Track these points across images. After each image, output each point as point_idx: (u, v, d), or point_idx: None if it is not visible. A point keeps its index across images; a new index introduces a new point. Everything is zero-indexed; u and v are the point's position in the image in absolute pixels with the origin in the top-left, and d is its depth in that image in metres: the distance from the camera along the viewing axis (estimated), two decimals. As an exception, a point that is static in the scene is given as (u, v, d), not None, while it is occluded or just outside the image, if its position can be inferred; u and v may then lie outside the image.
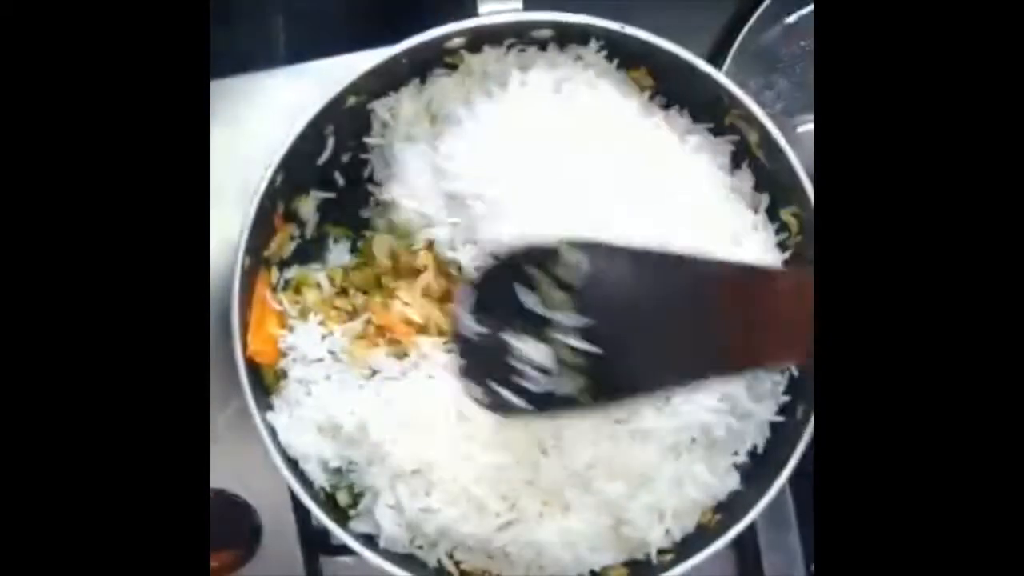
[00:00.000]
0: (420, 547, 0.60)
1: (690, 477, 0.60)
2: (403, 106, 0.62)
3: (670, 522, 0.61)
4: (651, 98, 0.63)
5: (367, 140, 0.64)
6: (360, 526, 0.61)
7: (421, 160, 0.61)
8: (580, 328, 0.49)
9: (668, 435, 0.59)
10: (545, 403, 0.50)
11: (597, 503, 0.59)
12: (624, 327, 0.50)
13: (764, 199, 0.63)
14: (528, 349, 0.50)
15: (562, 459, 0.58)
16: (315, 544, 0.67)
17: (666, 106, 0.63)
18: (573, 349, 0.49)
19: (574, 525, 0.59)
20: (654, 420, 0.59)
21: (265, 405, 0.61)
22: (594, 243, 0.50)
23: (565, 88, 0.61)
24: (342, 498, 0.61)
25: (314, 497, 0.60)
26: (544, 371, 0.50)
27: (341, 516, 0.61)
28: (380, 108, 0.63)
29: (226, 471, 0.64)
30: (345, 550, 0.60)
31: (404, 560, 0.60)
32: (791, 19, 0.72)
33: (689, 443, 0.60)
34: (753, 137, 0.61)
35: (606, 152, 0.59)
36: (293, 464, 0.60)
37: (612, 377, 0.50)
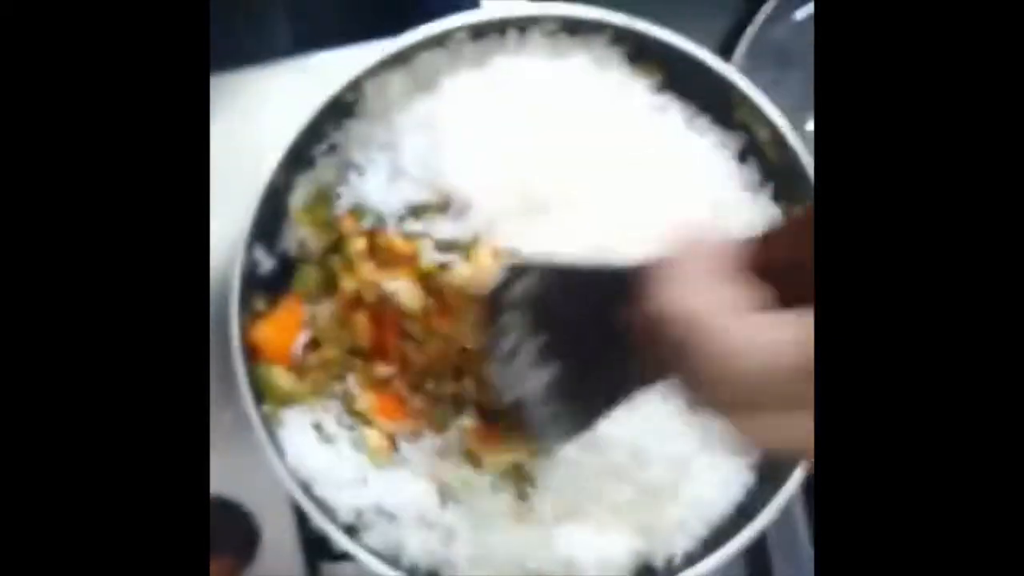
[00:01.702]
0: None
1: (711, 485, 0.60)
2: (393, 82, 0.61)
3: (696, 529, 0.60)
4: (659, 91, 0.62)
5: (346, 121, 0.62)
6: (373, 541, 0.60)
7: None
8: (539, 348, 0.46)
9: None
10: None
11: (627, 511, 0.59)
12: (578, 341, 0.46)
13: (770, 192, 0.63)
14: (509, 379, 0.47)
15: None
16: (315, 551, 0.67)
17: (675, 100, 0.63)
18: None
19: (607, 537, 0.59)
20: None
21: (274, 419, 0.60)
22: (535, 264, 0.48)
23: (564, 65, 0.60)
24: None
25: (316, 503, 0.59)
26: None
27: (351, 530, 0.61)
28: (370, 85, 0.61)
29: (225, 477, 0.64)
30: (346, 557, 0.60)
31: (402, 563, 0.60)
32: (800, 15, 0.72)
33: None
34: (763, 133, 0.61)
35: (604, 131, 0.58)
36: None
37: (579, 394, 0.47)
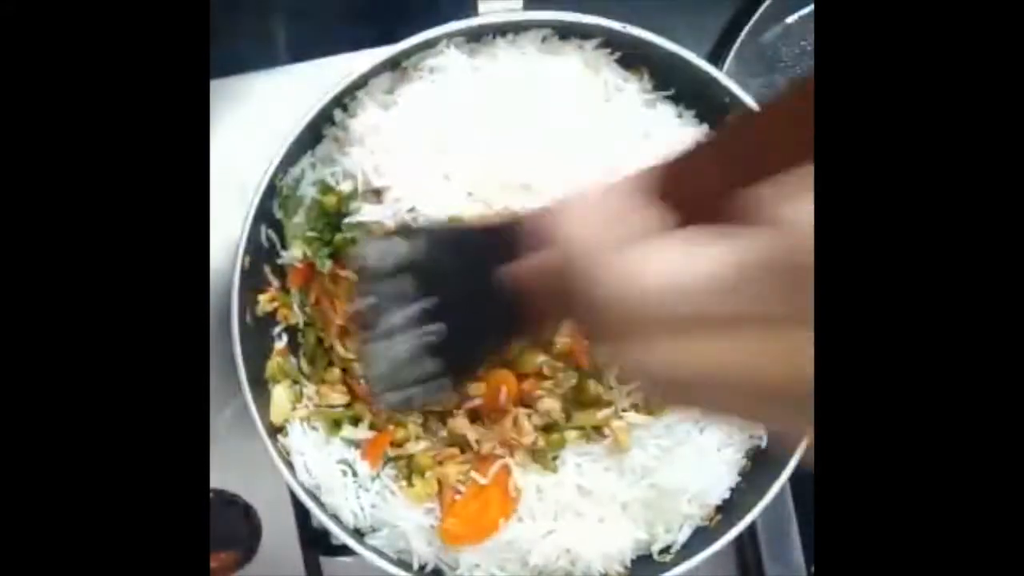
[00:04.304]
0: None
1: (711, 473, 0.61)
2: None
3: (694, 520, 0.62)
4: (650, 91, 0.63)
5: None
6: (377, 542, 0.61)
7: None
8: (426, 309, 0.46)
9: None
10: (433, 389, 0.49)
11: (635, 504, 0.60)
12: (461, 300, 0.46)
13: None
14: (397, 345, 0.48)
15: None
16: (315, 544, 0.68)
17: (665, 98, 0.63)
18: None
19: (610, 531, 0.60)
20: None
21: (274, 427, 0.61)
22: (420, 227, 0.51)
23: (556, 63, 0.61)
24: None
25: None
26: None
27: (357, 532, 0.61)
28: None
29: (226, 471, 0.64)
30: (345, 550, 0.60)
31: (404, 561, 0.60)
32: (791, 19, 0.73)
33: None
34: (754, 137, 0.61)
35: (594, 122, 0.59)
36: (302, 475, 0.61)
37: (460, 349, 0.47)
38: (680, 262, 0.30)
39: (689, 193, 0.35)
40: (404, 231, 0.50)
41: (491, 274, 0.43)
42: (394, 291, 0.47)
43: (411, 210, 0.57)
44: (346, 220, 0.59)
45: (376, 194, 0.58)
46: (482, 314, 0.45)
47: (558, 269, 0.33)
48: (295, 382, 0.62)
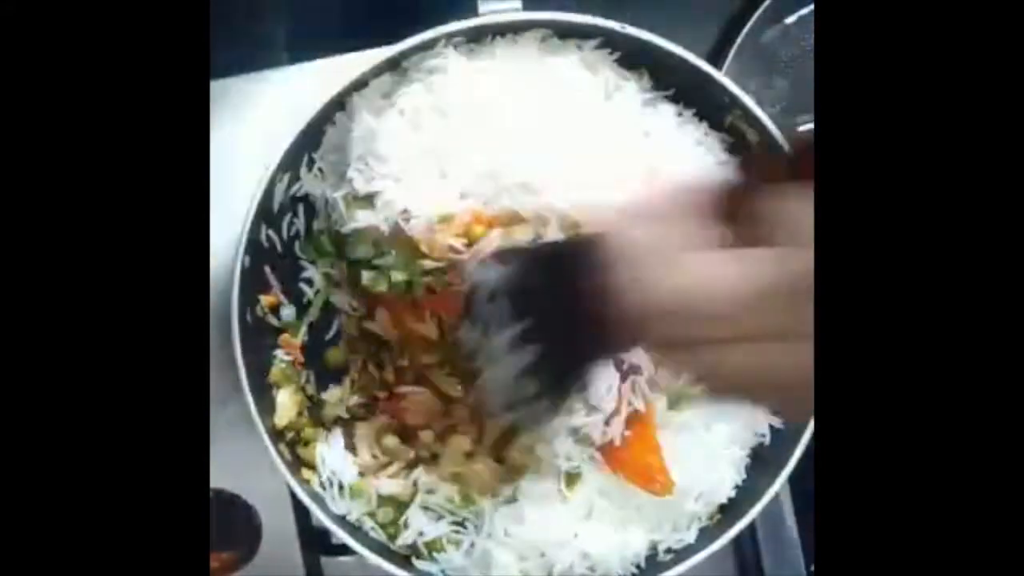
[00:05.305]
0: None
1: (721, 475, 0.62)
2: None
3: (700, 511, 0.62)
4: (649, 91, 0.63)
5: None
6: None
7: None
8: (519, 334, 0.47)
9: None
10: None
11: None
12: (554, 320, 0.46)
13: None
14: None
15: None
16: (315, 544, 0.68)
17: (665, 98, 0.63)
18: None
19: (628, 532, 0.61)
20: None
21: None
22: (511, 250, 0.51)
23: (556, 63, 0.61)
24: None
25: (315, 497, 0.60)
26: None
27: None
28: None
29: (226, 471, 0.64)
30: (345, 550, 0.60)
31: (404, 560, 0.60)
32: (791, 19, 0.73)
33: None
34: (753, 137, 0.61)
35: (592, 132, 0.59)
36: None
37: (557, 367, 0.48)
38: (740, 276, 0.34)
39: (729, 215, 0.38)
40: (499, 255, 0.49)
41: (579, 293, 0.42)
42: (493, 316, 0.47)
43: (404, 211, 0.57)
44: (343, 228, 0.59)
45: (370, 197, 0.58)
46: (573, 334, 0.45)
47: (626, 286, 0.37)
48: (299, 388, 0.63)
